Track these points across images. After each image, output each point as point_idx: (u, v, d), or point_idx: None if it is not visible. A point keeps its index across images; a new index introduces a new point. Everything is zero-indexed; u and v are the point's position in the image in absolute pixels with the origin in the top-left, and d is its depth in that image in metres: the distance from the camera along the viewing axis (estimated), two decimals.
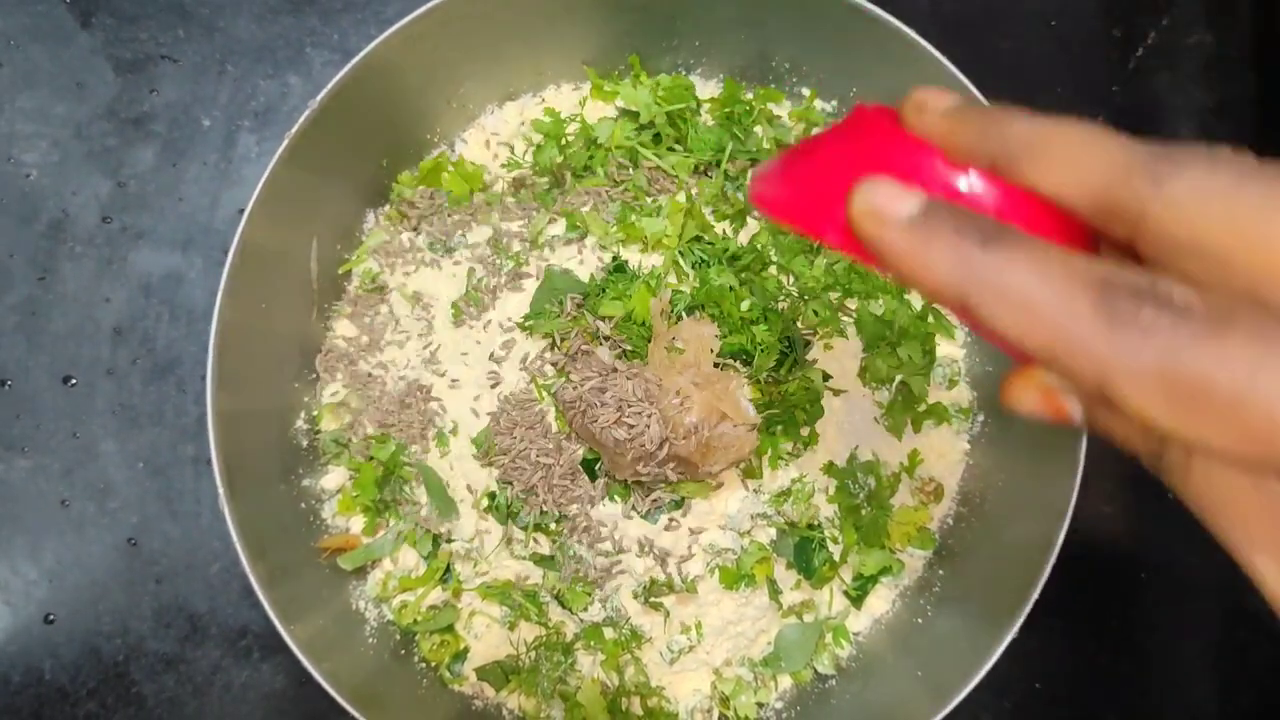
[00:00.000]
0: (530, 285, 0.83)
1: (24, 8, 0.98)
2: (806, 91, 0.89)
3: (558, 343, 0.81)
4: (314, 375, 0.87)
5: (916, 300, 0.88)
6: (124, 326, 0.94)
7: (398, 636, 0.85)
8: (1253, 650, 0.95)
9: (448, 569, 0.84)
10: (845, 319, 0.85)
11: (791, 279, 0.84)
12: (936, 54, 0.77)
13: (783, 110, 0.90)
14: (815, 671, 0.85)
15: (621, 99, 0.87)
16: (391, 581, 0.84)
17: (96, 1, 0.98)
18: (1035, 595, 0.73)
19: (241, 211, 0.75)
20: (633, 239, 0.83)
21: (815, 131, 0.88)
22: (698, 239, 0.83)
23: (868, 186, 0.32)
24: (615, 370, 0.77)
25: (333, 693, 0.72)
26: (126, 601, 0.91)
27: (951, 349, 0.89)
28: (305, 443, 0.86)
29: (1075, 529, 0.74)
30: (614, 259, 0.82)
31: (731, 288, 0.80)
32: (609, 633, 0.82)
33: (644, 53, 0.88)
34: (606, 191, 0.85)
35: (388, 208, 0.90)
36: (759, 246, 0.84)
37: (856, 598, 0.85)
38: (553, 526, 0.80)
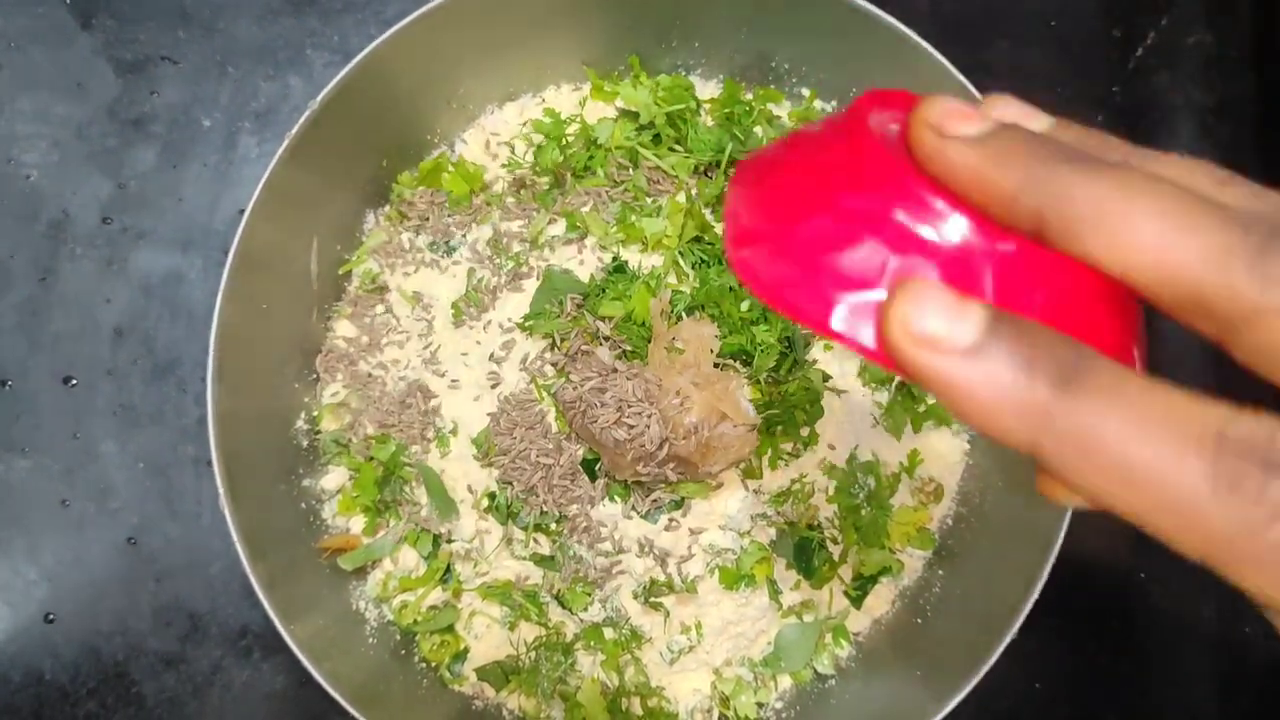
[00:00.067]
0: (530, 285, 0.83)
1: (24, 9, 0.98)
2: (806, 92, 0.89)
3: (558, 343, 0.81)
4: (314, 375, 0.87)
5: None
6: (124, 327, 0.94)
7: (398, 637, 0.85)
8: (1253, 650, 0.95)
9: (448, 569, 0.84)
10: None
11: None
12: (936, 54, 0.77)
13: (782, 111, 0.90)
14: (815, 672, 0.86)
15: (621, 99, 0.87)
16: (392, 582, 0.84)
17: (97, 3, 0.98)
18: (1035, 595, 0.73)
19: (242, 212, 0.75)
20: (633, 239, 0.83)
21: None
22: (698, 239, 0.83)
23: (910, 302, 0.25)
24: (615, 370, 0.77)
25: (333, 693, 0.72)
26: (127, 601, 0.91)
27: None
28: (305, 443, 0.86)
29: (1075, 529, 0.74)
30: (614, 259, 0.82)
31: (731, 288, 0.80)
32: (609, 633, 0.82)
33: (644, 53, 0.88)
34: (606, 192, 0.85)
35: (388, 208, 0.90)
36: None
37: (856, 598, 0.85)
38: (553, 527, 0.80)
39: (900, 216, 0.27)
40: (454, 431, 0.83)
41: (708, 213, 0.85)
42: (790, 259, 0.28)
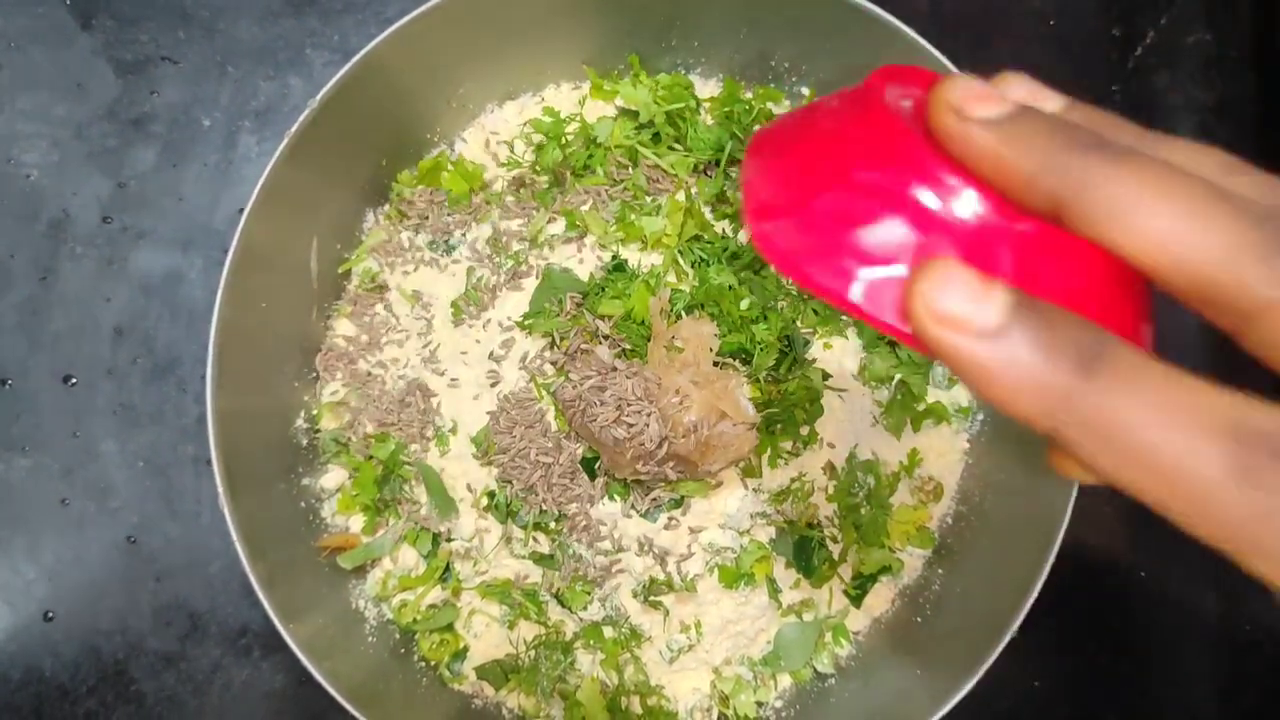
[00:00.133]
0: (530, 284, 0.83)
1: (24, 9, 0.98)
2: (806, 91, 0.89)
3: (557, 341, 0.81)
4: (314, 374, 0.87)
5: None
6: (124, 326, 0.94)
7: (397, 635, 0.85)
8: (1253, 650, 0.95)
9: (447, 568, 0.84)
10: (845, 318, 0.85)
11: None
12: (937, 54, 0.77)
13: (782, 109, 0.90)
14: (815, 670, 0.86)
15: (621, 98, 0.87)
16: (391, 580, 0.84)
17: (97, 3, 0.99)
18: (1034, 594, 0.73)
19: (241, 211, 0.75)
20: (632, 238, 0.83)
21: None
22: (697, 238, 0.83)
23: (934, 281, 0.25)
24: (615, 369, 0.77)
25: (332, 691, 0.72)
26: (126, 600, 0.91)
27: None
28: (305, 442, 0.86)
29: (1074, 528, 0.74)
30: (613, 258, 0.82)
31: (731, 286, 0.80)
32: (608, 632, 0.82)
33: (643, 52, 0.88)
34: (606, 190, 0.85)
35: (387, 207, 0.90)
36: None
37: (856, 597, 0.85)
38: (552, 525, 0.80)
39: (919, 193, 0.28)
40: (453, 430, 0.83)
41: (707, 211, 0.85)
42: (810, 233, 0.29)
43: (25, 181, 0.96)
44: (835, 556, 0.83)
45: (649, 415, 0.74)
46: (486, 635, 0.84)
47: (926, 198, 0.27)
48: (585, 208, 0.85)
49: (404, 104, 0.85)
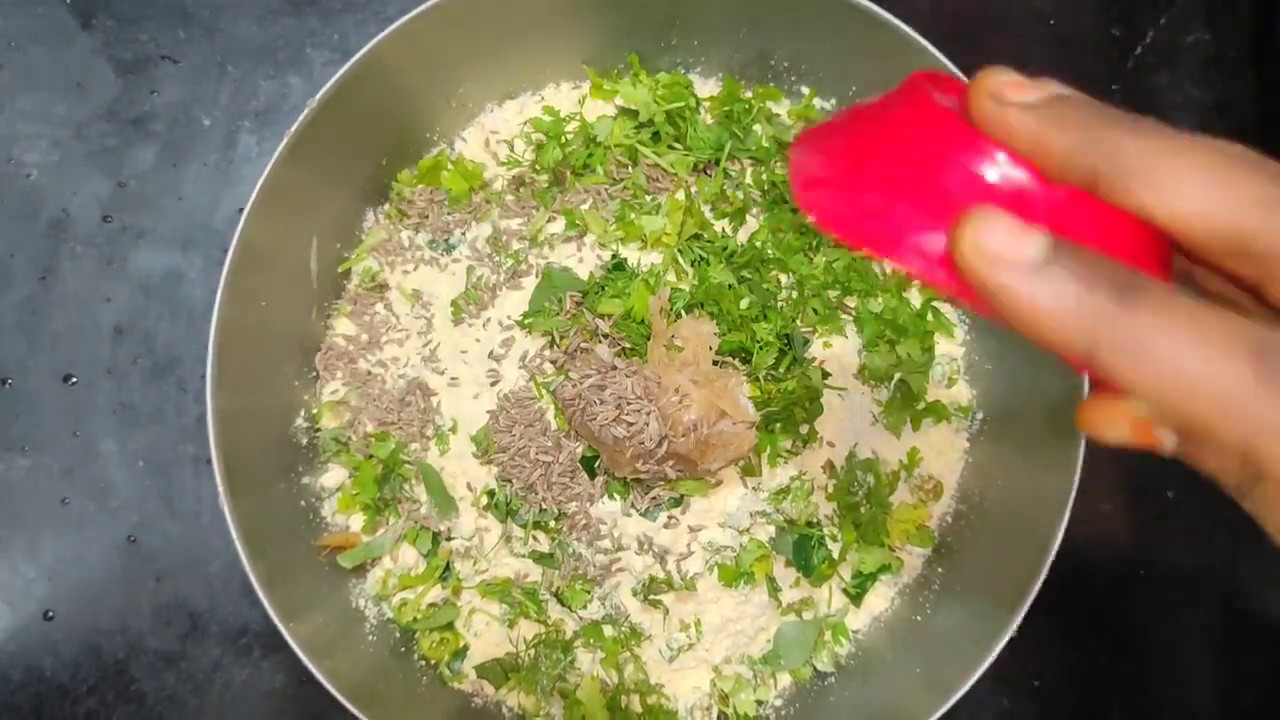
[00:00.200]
0: (530, 283, 0.83)
1: (25, 9, 0.98)
2: (805, 90, 0.89)
3: (557, 340, 0.81)
4: (314, 373, 0.87)
5: (916, 298, 0.88)
6: (124, 326, 0.94)
7: (397, 634, 0.85)
8: (1253, 650, 0.95)
9: (447, 567, 0.84)
10: (845, 317, 0.85)
11: (791, 276, 0.84)
12: (937, 53, 0.77)
13: (782, 109, 0.90)
14: (815, 669, 0.86)
15: (621, 97, 0.87)
16: (391, 579, 0.84)
17: (97, 2, 0.99)
18: (1034, 592, 0.73)
19: (241, 211, 0.75)
20: (632, 237, 0.83)
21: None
22: (697, 237, 0.83)
23: (980, 223, 0.28)
24: (614, 368, 0.77)
25: (333, 690, 0.72)
26: (126, 600, 0.91)
27: (950, 347, 0.89)
28: (305, 441, 0.86)
29: (1074, 526, 0.74)
30: (613, 257, 0.82)
31: (731, 285, 0.80)
32: (608, 630, 0.82)
33: (643, 51, 0.89)
34: (606, 189, 0.85)
35: (387, 206, 0.90)
36: (758, 244, 0.84)
37: (856, 595, 0.85)
38: (552, 524, 0.80)
39: (960, 162, 0.30)
40: (453, 429, 0.83)
41: (707, 210, 0.85)
42: (861, 198, 0.31)
43: (25, 181, 0.96)
44: (835, 555, 0.83)
45: (649, 414, 0.74)
46: (486, 634, 0.84)
47: (967, 166, 0.30)
48: (585, 207, 0.85)
49: (404, 103, 0.85)
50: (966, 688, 0.73)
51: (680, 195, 0.84)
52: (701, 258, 0.82)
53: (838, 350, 0.84)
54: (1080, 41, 1.01)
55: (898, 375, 0.85)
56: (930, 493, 0.87)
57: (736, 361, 0.79)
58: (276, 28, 0.99)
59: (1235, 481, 0.31)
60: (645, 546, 0.79)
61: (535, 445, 0.80)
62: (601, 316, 0.79)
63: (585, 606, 0.81)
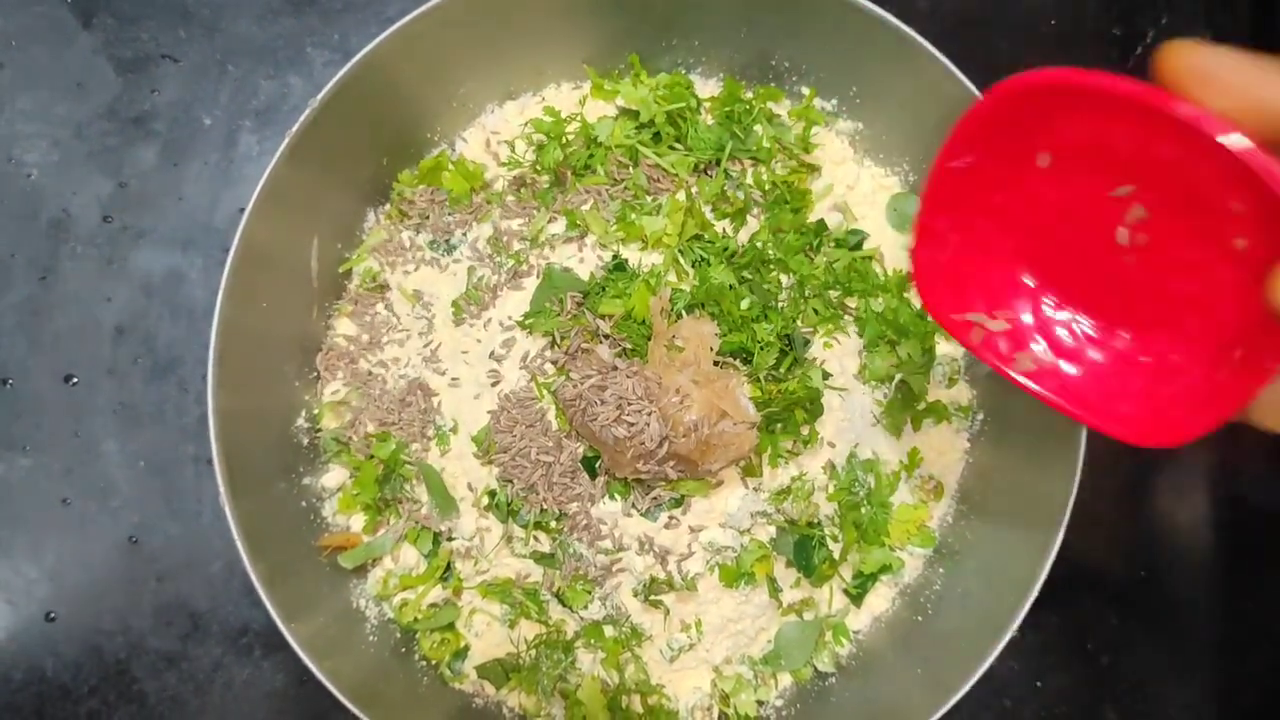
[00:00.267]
0: (530, 284, 0.83)
1: (25, 8, 0.98)
2: (806, 90, 0.89)
3: (558, 341, 0.81)
4: (315, 374, 0.87)
5: (916, 298, 0.88)
6: (125, 326, 0.94)
7: (398, 634, 0.85)
8: (1253, 650, 0.95)
9: (448, 567, 0.84)
10: (845, 317, 0.85)
11: (791, 277, 0.84)
12: (936, 53, 0.77)
13: (782, 109, 0.90)
14: (815, 669, 0.86)
15: (622, 98, 0.87)
16: (392, 580, 0.84)
17: (97, 2, 0.99)
18: (1035, 593, 0.73)
19: (242, 210, 0.75)
20: (633, 237, 0.83)
21: (816, 130, 0.88)
22: (697, 237, 0.83)
23: None
24: (615, 368, 0.77)
25: (333, 690, 0.72)
26: (128, 600, 0.91)
27: (951, 347, 0.89)
28: (306, 441, 0.86)
29: (1075, 527, 0.74)
30: (614, 257, 0.82)
31: (731, 286, 0.80)
32: (609, 631, 0.82)
33: (644, 52, 0.89)
34: (606, 190, 0.85)
35: (388, 206, 0.90)
36: (759, 245, 0.84)
37: (856, 596, 0.85)
38: (553, 524, 0.80)
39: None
40: (454, 429, 0.83)
41: (708, 211, 0.85)
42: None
43: (26, 181, 0.96)
44: (835, 555, 0.83)
45: (649, 414, 0.74)
46: (487, 634, 0.84)
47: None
48: (586, 207, 0.85)
49: (405, 104, 0.85)
50: (967, 688, 0.73)
51: (681, 196, 0.84)
52: (702, 258, 0.82)
53: (838, 351, 0.84)
54: (1080, 41, 1.01)
55: (898, 376, 0.85)
56: (931, 493, 0.87)
57: (737, 362, 0.79)
58: (277, 27, 0.99)
59: None
60: (646, 547, 0.80)
61: (536, 445, 0.80)
62: (602, 317, 0.79)
63: (586, 607, 0.81)
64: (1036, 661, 0.93)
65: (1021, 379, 0.34)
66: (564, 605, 0.82)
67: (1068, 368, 0.37)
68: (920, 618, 0.85)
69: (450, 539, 0.84)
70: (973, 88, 0.77)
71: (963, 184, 0.38)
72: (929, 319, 0.87)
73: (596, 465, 0.79)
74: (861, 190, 0.90)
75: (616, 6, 0.85)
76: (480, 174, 0.88)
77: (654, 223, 0.82)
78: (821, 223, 0.87)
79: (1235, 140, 0.31)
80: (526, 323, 0.81)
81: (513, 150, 0.89)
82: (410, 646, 0.85)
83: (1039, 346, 0.35)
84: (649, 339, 0.78)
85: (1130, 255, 0.36)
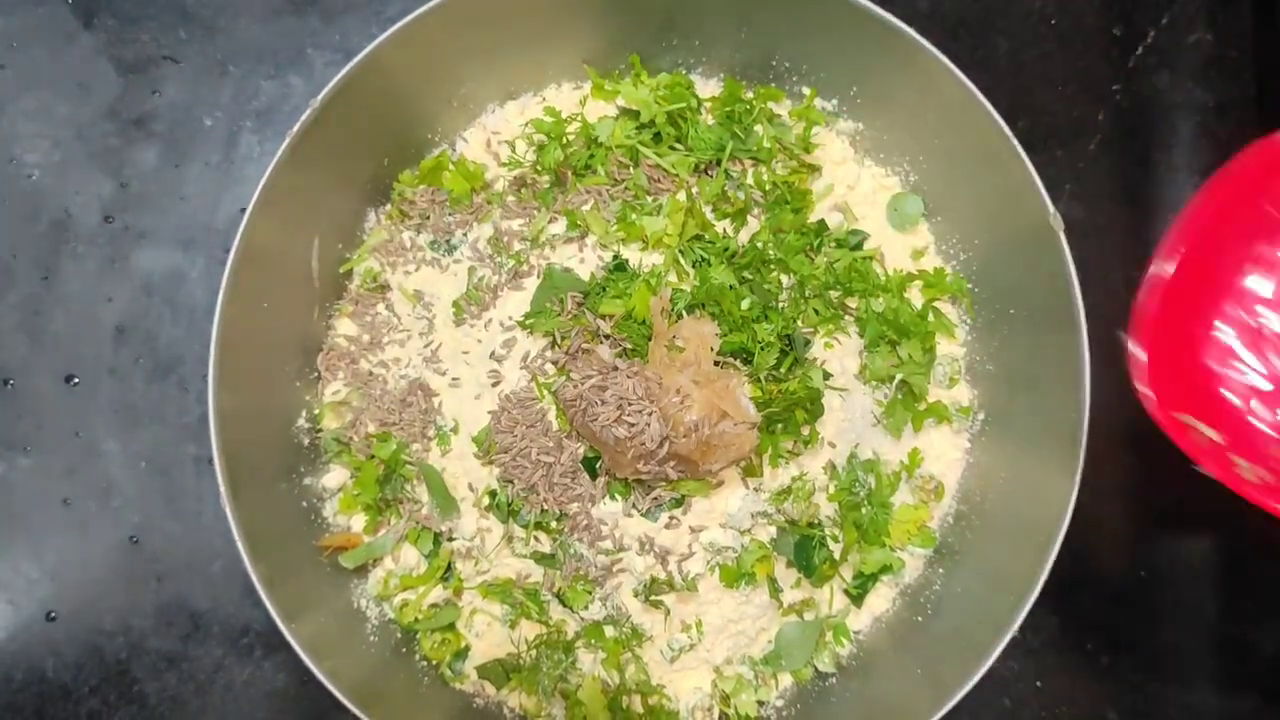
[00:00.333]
0: (531, 284, 0.83)
1: (26, 9, 0.98)
2: (807, 90, 0.89)
3: (558, 341, 0.81)
4: (315, 374, 0.88)
5: (917, 298, 0.88)
6: (126, 326, 0.94)
7: (399, 635, 0.85)
8: (1253, 650, 0.95)
9: (449, 567, 0.84)
10: (846, 317, 0.85)
11: (792, 277, 0.84)
12: (937, 53, 0.77)
13: (783, 109, 0.90)
14: (816, 670, 0.86)
15: (622, 98, 0.87)
16: (393, 580, 0.84)
17: (98, 2, 0.99)
18: (1036, 593, 0.73)
19: (243, 211, 0.75)
20: (633, 238, 0.83)
21: (816, 130, 0.88)
22: (698, 237, 0.83)
23: None
24: (616, 368, 0.77)
25: (334, 691, 0.72)
26: (128, 600, 0.91)
27: (952, 347, 0.89)
28: (306, 441, 0.87)
29: (1075, 527, 0.74)
30: (614, 257, 0.82)
31: (732, 286, 0.80)
32: (610, 631, 0.82)
33: (644, 52, 0.89)
34: (607, 190, 0.85)
35: (389, 207, 0.91)
36: (759, 245, 0.84)
37: (857, 596, 0.85)
38: (553, 525, 0.80)
39: None
40: (455, 430, 0.83)
41: (708, 211, 0.85)
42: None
43: (27, 181, 0.96)
44: (836, 556, 0.83)
45: (650, 415, 0.74)
46: (488, 634, 0.84)
47: None
48: (586, 207, 0.85)
49: (405, 104, 0.85)
50: (968, 688, 0.73)
51: (681, 196, 0.85)
52: (703, 258, 0.82)
53: (839, 351, 0.84)
54: (1081, 41, 1.01)
55: (899, 376, 0.85)
56: (931, 493, 0.87)
57: (738, 362, 0.79)
58: (278, 28, 0.99)
59: None
60: (647, 547, 0.80)
61: (537, 446, 0.80)
62: (603, 317, 0.80)
63: (587, 607, 0.81)
64: (1037, 662, 0.93)
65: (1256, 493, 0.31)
66: (564, 605, 0.82)
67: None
68: (921, 618, 0.85)
69: (451, 539, 0.84)
70: (973, 88, 0.77)
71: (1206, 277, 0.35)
72: (929, 319, 0.87)
73: (597, 465, 0.79)
74: (862, 190, 0.90)
75: (617, 7, 0.85)
76: (481, 174, 0.88)
77: (654, 223, 0.82)
78: (822, 223, 0.87)
79: None
80: (527, 323, 0.81)
81: (513, 150, 0.89)
82: (411, 647, 0.85)
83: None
84: (649, 339, 0.78)
85: None
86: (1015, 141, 0.77)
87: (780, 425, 0.80)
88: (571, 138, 0.87)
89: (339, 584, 0.84)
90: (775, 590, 0.82)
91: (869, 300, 0.85)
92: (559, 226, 0.85)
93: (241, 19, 0.99)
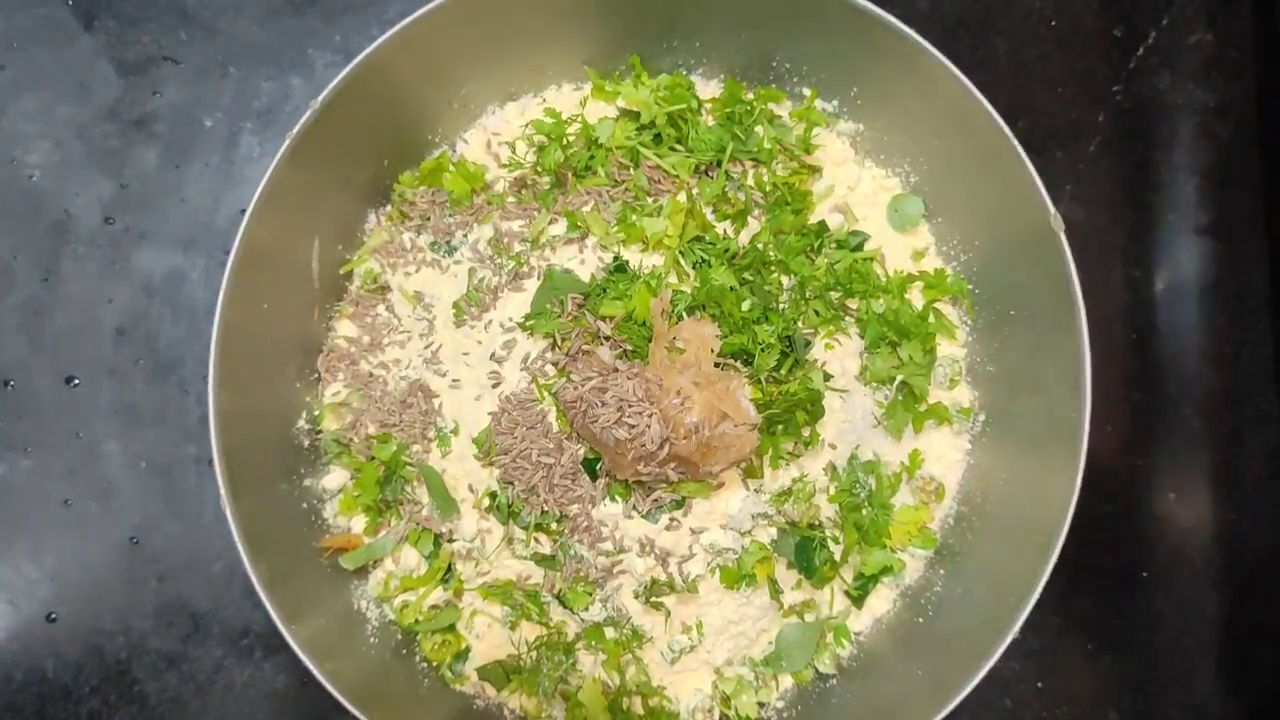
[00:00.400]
0: (531, 285, 0.83)
1: (27, 10, 0.98)
2: (807, 91, 0.89)
3: (558, 342, 0.81)
4: (315, 375, 0.88)
5: (918, 299, 0.88)
6: (126, 327, 0.94)
7: (399, 636, 0.85)
8: (1253, 650, 0.95)
9: (449, 569, 0.84)
10: (846, 318, 0.85)
11: (792, 278, 0.84)
12: (937, 54, 0.77)
13: (783, 110, 0.90)
14: (816, 671, 0.86)
15: (622, 99, 0.87)
16: (393, 581, 0.84)
17: (99, 3, 0.99)
18: (1036, 594, 0.73)
19: (243, 212, 0.75)
20: (633, 239, 0.83)
21: (817, 131, 0.88)
22: (698, 239, 0.83)
23: None
24: (616, 370, 0.77)
25: (334, 692, 0.72)
26: (129, 600, 0.91)
27: (952, 348, 0.89)
28: (307, 443, 0.87)
29: (1075, 527, 0.74)
30: (615, 259, 0.82)
31: (732, 287, 0.80)
32: (610, 632, 0.82)
33: (645, 53, 0.89)
34: (607, 191, 0.85)
35: (389, 208, 0.91)
36: (760, 246, 0.84)
37: (857, 597, 0.85)
38: (554, 526, 0.80)
39: None
40: (455, 431, 0.83)
41: (709, 212, 0.85)
42: None
43: (28, 182, 0.96)
44: (836, 557, 0.83)
45: (650, 416, 0.74)
46: (488, 636, 0.84)
47: None
48: (587, 209, 0.85)
49: (405, 105, 0.85)
50: (969, 689, 0.73)
51: (682, 197, 0.84)
52: (703, 260, 0.82)
53: (839, 352, 0.84)
54: (1081, 42, 1.01)
55: (899, 377, 0.85)
56: (932, 494, 0.87)
57: (738, 363, 0.79)
58: (278, 29, 0.99)
59: None
60: (647, 548, 0.80)
61: (537, 447, 0.80)
62: (603, 318, 0.80)
63: (587, 608, 0.81)
64: (1037, 662, 0.93)
65: None
66: (565, 607, 0.82)
67: None
68: (921, 619, 0.85)
69: (451, 540, 0.84)
70: (973, 88, 0.77)
71: None
72: (929, 320, 0.87)
73: (597, 467, 0.79)
74: (862, 191, 0.90)
75: (617, 8, 0.85)
76: (481, 175, 0.88)
77: (655, 224, 0.82)
78: (822, 224, 0.87)
79: None
80: (527, 324, 0.81)
81: (513, 151, 0.89)
82: (411, 648, 0.85)
83: None
84: (650, 341, 0.78)
85: None
86: (1015, 142, 0.77)
87: (781, 427, 0.80)
88: (572, 139, 0.87)
89: (339, 585, 0.84)
90: (776, 591, 0.82)
91: (869, 301, 0.85)
92: (559, 228, 0.85)
93: (242, 20, 0.99)
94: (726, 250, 0.82)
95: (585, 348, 0.80)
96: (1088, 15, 1.02)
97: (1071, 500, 0.74)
